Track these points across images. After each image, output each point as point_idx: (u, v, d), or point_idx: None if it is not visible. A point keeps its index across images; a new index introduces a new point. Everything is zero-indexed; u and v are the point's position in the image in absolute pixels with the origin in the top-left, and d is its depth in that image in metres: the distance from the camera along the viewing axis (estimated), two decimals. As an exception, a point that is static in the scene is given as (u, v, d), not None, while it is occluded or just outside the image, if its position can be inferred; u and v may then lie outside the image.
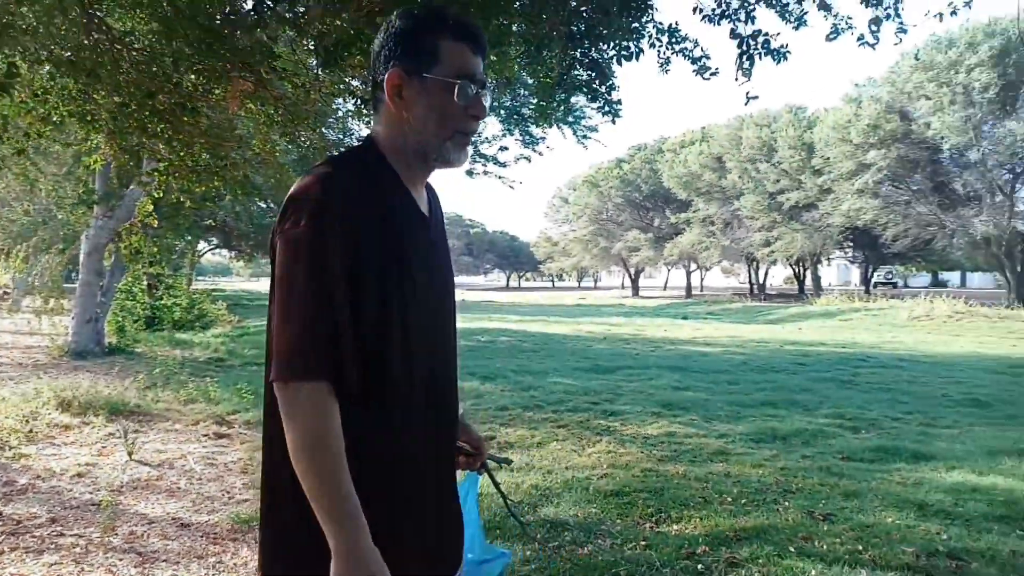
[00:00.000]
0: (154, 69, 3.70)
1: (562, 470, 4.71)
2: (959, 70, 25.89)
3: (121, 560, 3.37)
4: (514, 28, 3.42)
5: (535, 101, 11.16)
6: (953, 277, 64.79)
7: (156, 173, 4.49)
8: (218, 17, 3.72)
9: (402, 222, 1.27)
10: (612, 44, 3.63)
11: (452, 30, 1.25)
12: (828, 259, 47.93)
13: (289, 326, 1.13)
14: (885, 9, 3.43)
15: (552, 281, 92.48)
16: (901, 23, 3.50)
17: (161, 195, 5.02)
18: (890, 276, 57.25)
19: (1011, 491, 4.26)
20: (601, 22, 3.29)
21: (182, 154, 4.23)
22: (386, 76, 1.25)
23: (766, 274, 49.43)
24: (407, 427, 1.26)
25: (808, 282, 43.98)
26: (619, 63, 3.63)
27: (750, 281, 49.58)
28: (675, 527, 3.68)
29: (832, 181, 32.11)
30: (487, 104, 1.31)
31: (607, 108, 4.09)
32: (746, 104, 3.73)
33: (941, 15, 3.06)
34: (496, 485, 1.70)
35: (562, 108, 4.56)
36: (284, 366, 1.12)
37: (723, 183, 39.63)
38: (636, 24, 3.52)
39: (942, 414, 6.96)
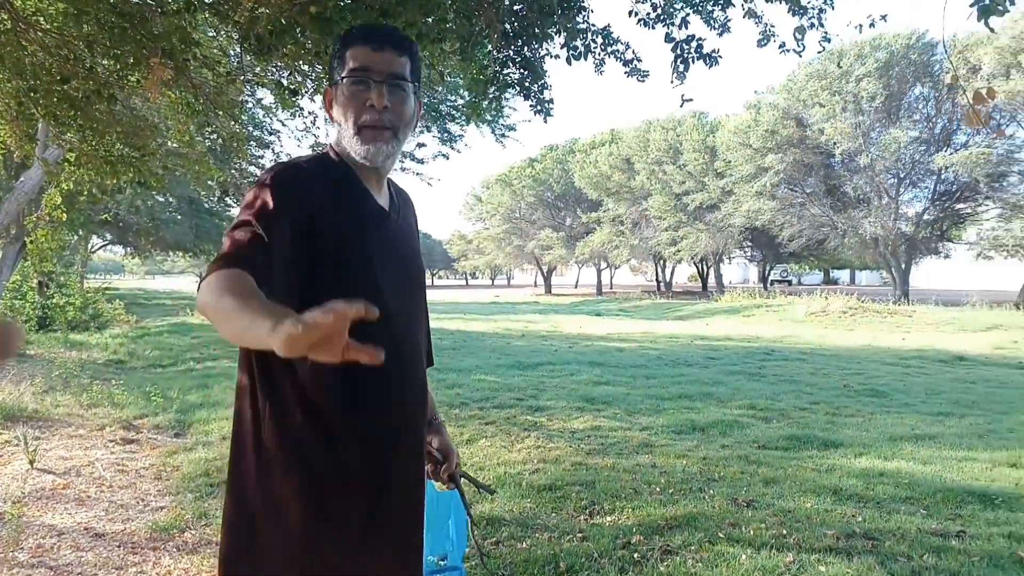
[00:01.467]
0: (64, 52, 3.44)
1: (494, 466, 4.72)
2: (849, 80, 27.56)
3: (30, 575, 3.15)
4: (449, 24, 3.39)
5: (454, 99, 11.18)
6: (843, 275, 69.02)
7: (66, 164, 4.19)
8: (129, 2, 3.51)
9: (356, 209, 1.33)
10: (546, 44, 3.68)
11: (357, 36, 1.33)
12: (729, 258, 49.99)
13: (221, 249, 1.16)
14: (810, 19, 3.63)
15: (466, 279, 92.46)
16: (825, 33, 3.70)
17: (71, 187, 4.69)
18: (786, 274, 60.36)
19: (913, 474, 4.58)
20: (537, 22, 3.32)
21: (94, 143, 3.96)
22: (326, 95, 1.40)
23: (672, 272, 51.07)
24: (360, 407, 1.28)
25: (711, 280, 45.73)
26: (568, 63, 3.68)
27: (657, 279, 51.09)
28: (609, 518, 3.75)
29: (733, 183, 33.39)
30: (397, 95, 1.32)
31: (539, 107, 4.13)
32: (681, 106, 3.86)
33: (861, 26, 3.25)
34: (466, 506, 1.71)
35: (492, 106, 4.58)
36: (206, 272, 1.14)
37: (632, 184, 40.61)
38: (570, 25, 3.57)
39: (845, 403, 7.40)
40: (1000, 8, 2.27)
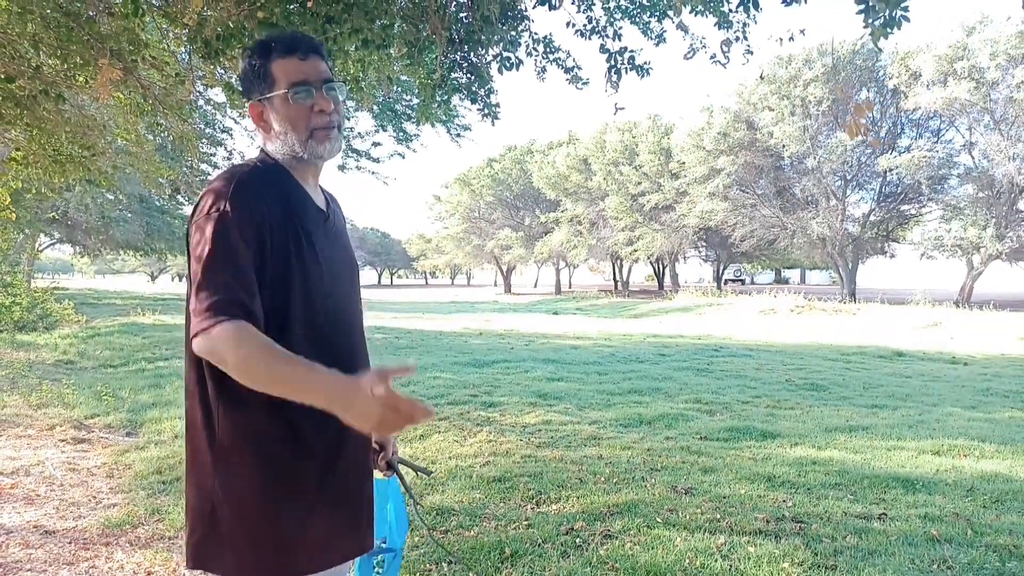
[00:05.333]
0: (9, 51, 3.43)
1: (446, 460, 4.84)
2: (797, 84, 28.32)
3: (-23, 573, 3.16)
4: (395, 30, 3.50)
5: (409, 98, 11.23)
6: (794, 274, 70.76)
7: (13, 162, 4.16)
8: (76, 1, 3.53)
9: (299, 210, 1.44)
10: (491, 51, 3.81)
11: (278, 50, 1.44)
12: (684, 257, 50.81)
13: (203, 290, 1.25)
14: (735, 32, 3.83)
15: (425, 278, 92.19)
16: (748, 46, 3.91)
17: (20, 185, 4.65)
18: (739, 273, 61.66)
19: (844, 462, 4.84)
20: (480, 28, 3.45)
21: (42, 142, 3.95)
22: (249, 110, 1.49)
23: (629, 271, 51.72)
24: None
25: (667, 279, 46.46)
26: (500, 72, 3.82)
27: (615, 278, 51.69)
28: (554, 507, 3.91)
29: (687, 184, 33.95)
30: (333, 96, 1.47)
31: (486, 111, 4.26)
32: (614, 115, 4.03)
33: (781, 39, 3.46)
34: (407, 490, 1.83)
35: (442, 108, 4.71)
36: (201, 318, 1.23)
37: (589, 184, 41.00)
38: (513, 33, 3.71)
39: (786, 397, 7.70)
40: (888, 31, 2.48)
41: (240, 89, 1.51)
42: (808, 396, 7.85)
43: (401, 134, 12.23)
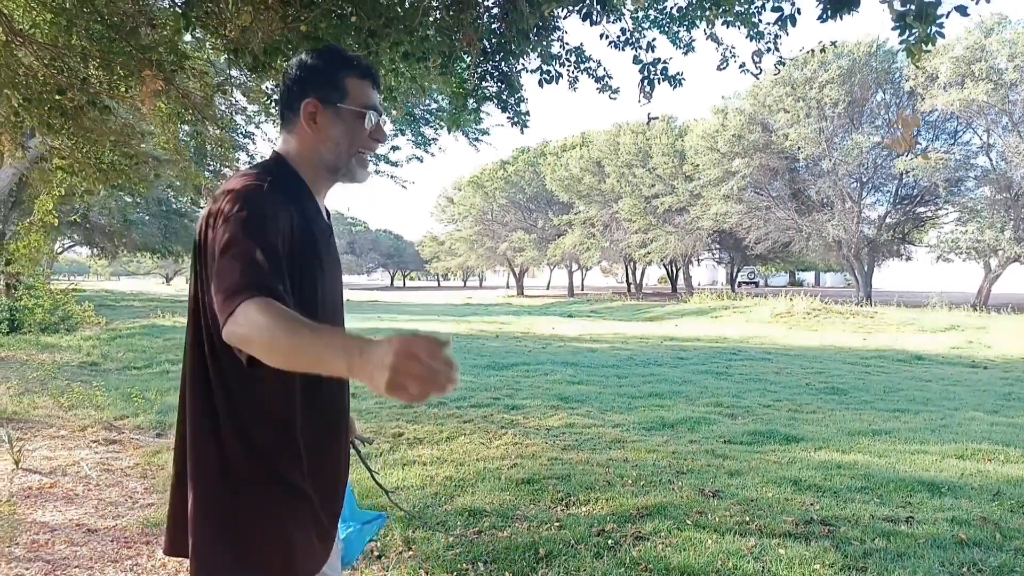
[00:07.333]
0: (59, 64, 3.54)
1: (473, 462, 4.91)
2: (813, 86, 28.22)
3: (28, 569, 3.26)
4: (432, 43, 3.58)
5: (428, 103, 11.32)
6: (808, 277, 70.39)
7: (59, 171, 4.27)
8: (119, 14, 3.62)
9: (314, 223, 1.50)
10: (522, 61, 3.89)
11: (357, 69, 1.52)
12: (698, 260, 50.74)
13: (230, 275, 1.20)
14: (766, 43, 3.88)
15: (437, 280, 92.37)
16: (780, 57, 3.97)
17: (63, 193, 4.78)
18: (752, 276, 61.35)
19: (868, 466, 4.87)
20: (514, 40, 3.53)
21: (85, 151, 4.06)
22: (303, 105, 1.49)
23: (642, 274, 51.64)
24: (326, 387, 1.50)
25: (680, 281, 46.35)
26: (540, 85, 3.90)
27: (627, 280, 51.62)
28: (584, 508, 3.97)
29: (702, 187, 33.90)
30: (386, 129, 1.59)
31: (516, 119, 4.34)
32: (647, 124, 4.12)
33: (813, 50, 3.51)
34: (363, 460, 1.97)
35: (473, 116, 4.81)
36: (227, 300, 1.17)
37: (602, 187, 40.95)
38: (545, 43, 3.79)
39: (807, 401, 7.72)
40: (925, 47, 2.52)
41: (292, 84, 1.50)
42: (829, 400, 7.86)
43: (420, 138, 12.33)
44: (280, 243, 1.30)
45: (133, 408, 6.71)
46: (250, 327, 1.13)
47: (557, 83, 3.93)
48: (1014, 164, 25.43)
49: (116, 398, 7.19)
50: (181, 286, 76.01)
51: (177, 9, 2.92)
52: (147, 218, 27.34)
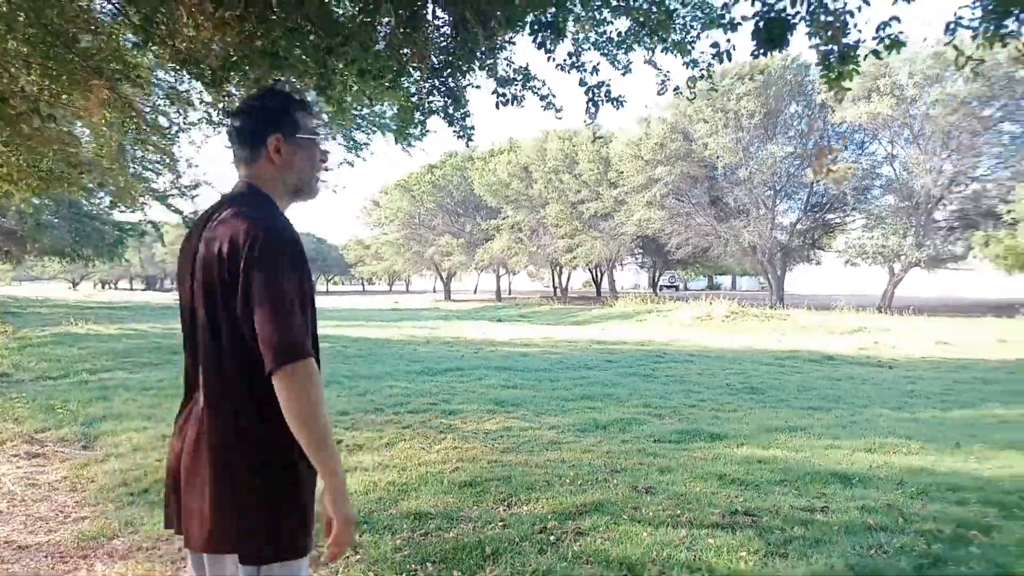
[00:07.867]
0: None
1: (415, 466, 5.00)
2: (730, 98, 29.40)
3: (-44, 591, 3.18)
4: (382, 58, 3.67)
5: (360, 108, 11.23)
6: (725, 281, 72.96)
7: (-3, 179, 4.13)
8: (60, 20, 3.57)
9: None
10: (468, 76, 4.04)
11: (301, 104, 1.81)
12: (622, 264, 51.84)
13: (281, 324, 1.51)
14: (700, 71, 4.16)
15: (362, 285, 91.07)
16: (712, 84, 4.25)
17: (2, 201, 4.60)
18: (673, 280, 63.21)
19: (786, 460, 5.22)
20: (462, 57, 3.67)
21: (21, 159, 3.94)
22: (268, 140, 1.73)
23: (568, 278, 52.40)
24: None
25: (605, 285, 47.28)
26: (497, 108, 4.06)
27: (554, 285, 52.28)
28: (526, 508, 4.13)
29: (626, 193, 34.67)
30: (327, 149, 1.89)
31: (461, 132, 4.49)
32: (593, 142, 4.35)
33: (743, 79, 3.78)
34: None
35: (420, 130, 4.99)
36: (283, 354, 1.50)
37: (530, 192, 41.35)
38: (490, 62, 3.95)
39: (728, 400, 8.13)
40: (845, 87, 2.82)
41: (252, 124, 1.74)
42: (748, 399, 8.29)
43: (351, 143, 12.23)
44: (305, 291, 1.61)
45: (56, 420, 6.48)
46: (303, 390, 1.51)
47: (514, 105, 4.12)
48: (914, 174, 27.22)
49: (35, 410, 6.92)
50: (89, 291, 72.30)
51: (134, 22, 2.91)
52: (56, 220, 25.99)
